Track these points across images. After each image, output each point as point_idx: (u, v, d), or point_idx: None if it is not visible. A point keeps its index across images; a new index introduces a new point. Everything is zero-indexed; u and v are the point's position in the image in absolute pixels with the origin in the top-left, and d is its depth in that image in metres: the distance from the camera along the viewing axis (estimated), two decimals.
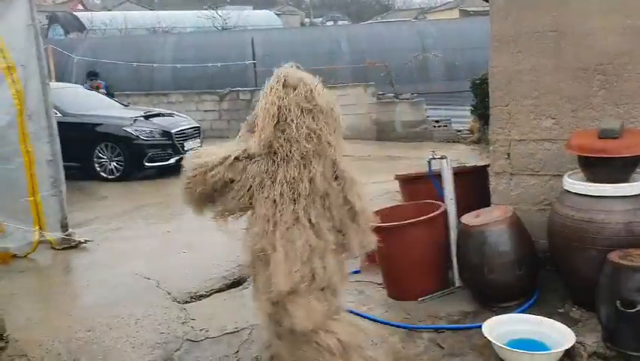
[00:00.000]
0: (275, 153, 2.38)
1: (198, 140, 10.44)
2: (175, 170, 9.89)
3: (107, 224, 6.65)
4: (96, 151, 9.43)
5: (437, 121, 13.74)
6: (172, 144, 9.71)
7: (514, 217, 3.61)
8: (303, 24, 41.99)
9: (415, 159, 10.83)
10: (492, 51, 4.00)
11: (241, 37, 18.43)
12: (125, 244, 5.84)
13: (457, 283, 3.88)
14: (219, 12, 30.11)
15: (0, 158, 5.35)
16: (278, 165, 2.38)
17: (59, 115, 7.90)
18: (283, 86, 2.39)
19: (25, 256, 5.49)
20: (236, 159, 2.43)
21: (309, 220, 2.39)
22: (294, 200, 2.38)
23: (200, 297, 4.37)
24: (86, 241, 5.84)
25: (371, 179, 8.90)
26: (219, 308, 4.09)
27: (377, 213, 4.02)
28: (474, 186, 4.31)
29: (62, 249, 5.72)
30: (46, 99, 5.75)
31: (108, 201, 8.11)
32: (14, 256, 5.45)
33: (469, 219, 3.62)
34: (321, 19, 46.24)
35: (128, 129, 9.51)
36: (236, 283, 4.65)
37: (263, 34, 18.98)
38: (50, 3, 54.26)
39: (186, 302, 4.26)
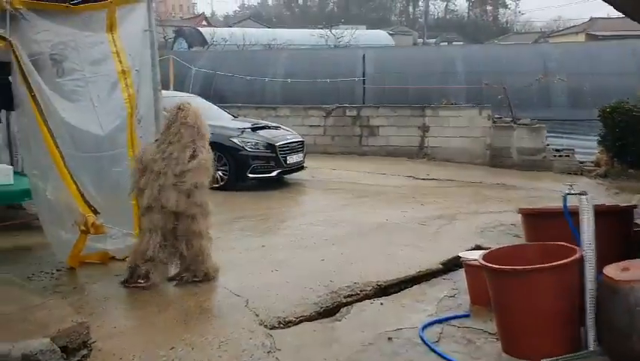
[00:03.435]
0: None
1: (301, 154, 10.29)
2: (276, 183, 9.81)
3: None
4: None
5: (558, 150, 12.64)
6: (275, 156, 9.62)
7: None
8: (415, 44, 41.44)
9: (531, 190, 10.03)
10: None
11: (352, 54, 18.33)
12: (219, 256, 5.63)
13: (592, 346, 3.23)
14: (333, 31, 30.38)
15: (109, 160, 5.39)
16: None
17: None
18: (177, 109, 4.82)
19: (123, 259, 5.47)
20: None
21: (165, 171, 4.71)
22: (162, 160, 4.71)
23: (289, 323, 4.04)
24: None
25: (482, 207, 8.27)
26: (308, 340, 3.73)
27: (496, 252, 3.57)
28: (615, 231, 3.65)
29: None
30: (157, 105, 5.78)
31: None
32: (113, 258, 5.46)
33: (614, 271, 2.99)
34: (434, 40, 45.41)
35: (235, 140, 9.54)
36: (328, 312, 4.29)
37: (374, 51, 18.73)
38: (178, 18, 58.17)
39: (273, 328, 3.95)
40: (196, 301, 4.43)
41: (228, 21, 58.36)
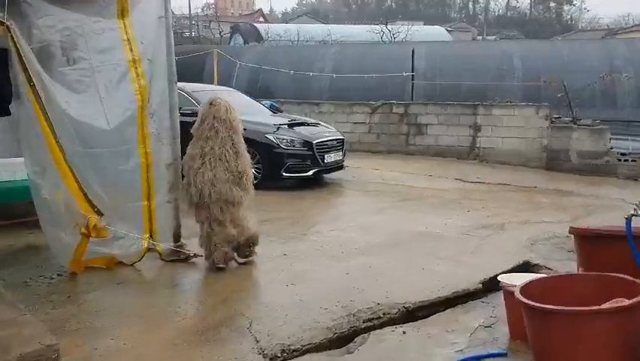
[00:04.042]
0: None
1: (341, 153, 9.71)
2: (313, 183, 9.28)
3: None
4: None
5: (623, 154, 11.52)
6: (312, 155, 9.08)
7: None
8: (474, 40, 39.98)
9: (590, 197, 9.08)
10: None
11: (403, 50, 17.50)
12: (235, 265, 5.20)
13: None
14: (389, 27, 29.53)
15: (116, 157, 4.98)
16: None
17: None
18: (209, 104, 4.98)
19: (132, 265, 5.09)
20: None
21: (212, 165, 4.80)
22: (201, 156, 4.83)
23: (293, 352, 3.50)
24: (195, 255, 5.29)
25: (534, 216, 7.46)
26: None
27: (538, 283, 2.91)
28: None
29: (170, 261, 5.25)
30: (172, 98, 5.34)
31: None
32: (120, 263, 5.07)
33: None
34: (494, 37, 43.74)
35: (270, 137, 9.06)
36: (342, 339, 3.73)
37: (426, 47, 17.83)
38: (237, 15, 58.75)
39: (274, 357, 3.42)
40: (195, 319, 3.96)
41: (286, 18, 58.31)
